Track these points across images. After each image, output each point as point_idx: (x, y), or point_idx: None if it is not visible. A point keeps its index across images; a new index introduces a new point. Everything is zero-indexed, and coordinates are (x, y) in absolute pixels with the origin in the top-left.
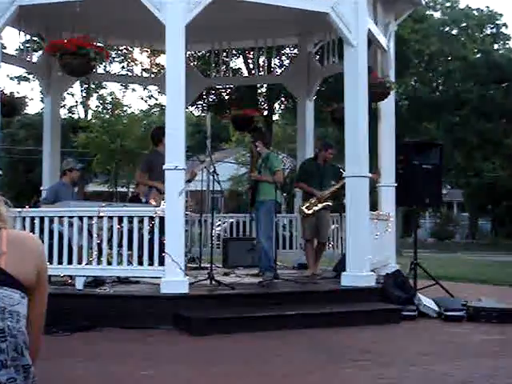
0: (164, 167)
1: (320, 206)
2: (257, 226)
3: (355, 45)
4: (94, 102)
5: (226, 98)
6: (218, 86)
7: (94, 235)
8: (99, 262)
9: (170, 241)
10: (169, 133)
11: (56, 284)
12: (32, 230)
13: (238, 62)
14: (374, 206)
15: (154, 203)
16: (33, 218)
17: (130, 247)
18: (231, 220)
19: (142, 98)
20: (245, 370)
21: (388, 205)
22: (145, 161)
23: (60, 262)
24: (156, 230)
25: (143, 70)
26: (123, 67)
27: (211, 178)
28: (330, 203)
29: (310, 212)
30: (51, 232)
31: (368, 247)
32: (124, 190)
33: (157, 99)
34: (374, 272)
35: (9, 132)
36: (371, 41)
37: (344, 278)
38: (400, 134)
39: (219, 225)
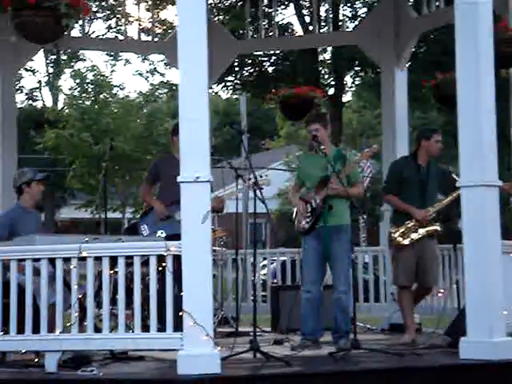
0: (179, 179)
1: (422, 232)
2: (319, 265)
3: None
4: (67, 83)
5: (271, 70)
6: (257, 53)
7: (74, 287)
8: (81, 329)
9: (191, 292)
10: (184, 126)
11: (14, 366)
12: None
13: (286, 14)
14: (507, 231)
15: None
16: None
17: (128, 304)
18: (283, 258)
19: (141, 75)
20: None
21: None
22: (150, 168)
23: (20, 331)
24: (169, 277)
25: (141, 30)
26: (110, 27)
27: (251, 194)
28: (437, 227)
29: (407, 242)
30: (5, 285)
31: (500, 297)
32: (117, 215)
33: (163, 75)
34: None
35: None
36: None
37: (464, 348)
38: None
39: (264, 266)
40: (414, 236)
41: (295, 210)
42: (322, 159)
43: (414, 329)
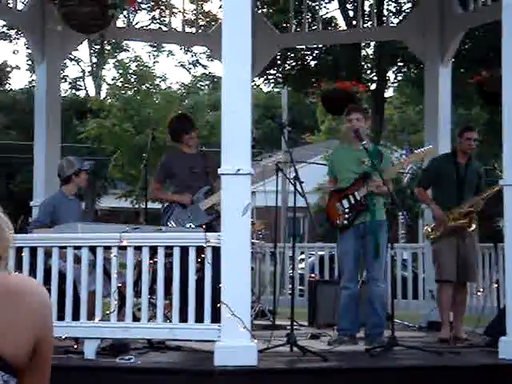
0: (220, 171)
1: (451, 225)
2: (366, 259)
3: None
4: (110, 73)
5: (313, 64)
6: (299, 47)
7: (114, 275)
8: (120, 318)
9: (230, 284)
10: (227, 118)
11: (54, 352)
12: (18, 269)
13: (330, 8)
14: None
15: (173, 224)
16: (19, 250)
17: (167, 294)
18: (321, 253)
19: (184, 66)
20: None
21: None
22: (160, 166)
23: (61, 318)
24: (208, 268)
25: (185, 22)
26: (154, 18)
27: (291, 187)
28: (465, 222)
29: (438, 234)
30: (47, 271)
31: None
32: (156, 206)
33: (206, 67)
34: None
35: None
36: None
37: (504, 347)
38: None
39: (303, 260)
40: (441, 229)
41: (328, 204)
42: (359, 153)
43: (455, 326)
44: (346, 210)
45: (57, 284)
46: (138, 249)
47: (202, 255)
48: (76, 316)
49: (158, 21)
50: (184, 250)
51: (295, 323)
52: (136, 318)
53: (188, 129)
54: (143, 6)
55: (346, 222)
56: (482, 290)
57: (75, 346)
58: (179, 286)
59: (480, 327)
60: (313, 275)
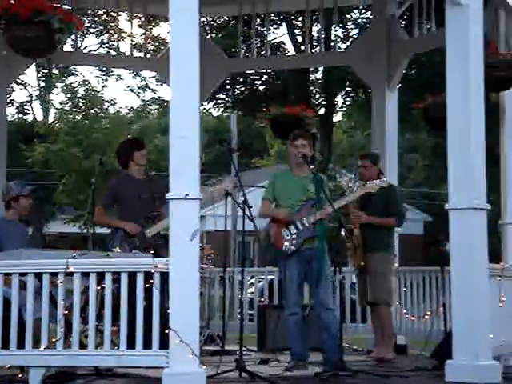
0: (168, 196)
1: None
2: (312, 285)
3: (464, 2)
4: (58, 97)
5: (262, 89)
6: (248, 72)
7: (60, 302)
8: (67, 345)
9: (178, 310)
10: (175, 143)
11: None
12: None
13: (279, 34)
14: (494, 254)
15: (118, 250)
16: None
17: (115, 320)
18: (270, 277)
19: (133, 91)
20: None
21: None
22: (108, 190)
23: (5, 346)
24: (156, 294)
25: (133, 46)
26: (103, 43)
27: (240, 212)
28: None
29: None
30: None
31: (487, 320)
32: (105, 231)
33: (155, 91)
34: (499, 361)
35: None
36: None
37: (450, 371)
38: None
39: (252, 284)
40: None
41: (273, 230)
42: (303, 180)
43: (381, 347)
44: (294, 236)
45: (2, 311)
46: (86, 275)
47: (151, 281)
48: (21, 344)
49: (107, 45)
50: (132, 276)
51: (244, 348)
52: (83, 345)
53: (139, 146)
54: (92, 30)
55: (293, 247)
56: (428, 312)
57: (20, 375)
58: (127, 312)
59: (427, 350)
60: (262, 300)
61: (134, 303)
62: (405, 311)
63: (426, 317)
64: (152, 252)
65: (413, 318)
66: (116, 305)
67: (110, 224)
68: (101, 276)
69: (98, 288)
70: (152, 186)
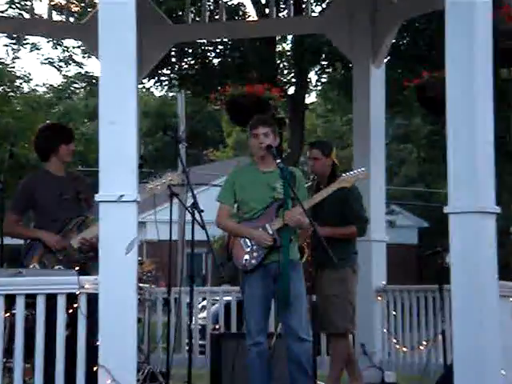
0: (97, 198)
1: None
2: (280, 308)
3: None
4: None
5: (217, 63)
6: (199, 41)
7: None
8: None
9: (110, 341)
10: (105, 131)
11: None
12: None
13: None
14: (506, 269)
15: (36, 266)
16: None
17: (28, 356)
18: (227, 298)
19: (53, 64)
20: None
21: None
22: (20, 191)
23: None
24: (82, 321)
25: (53, 7)
26: (13, 2)
27: (188, 217)
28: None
29: None
30: None
31: (497, 352)
32: (17, 241)
33: (81, 66)
34: None
35: None
36: None
37: None
38: None
39: (204, 308)
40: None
41: (230, 239)
42: (268, 176)
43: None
44: (254, 248)
45: None
46: None
47: (75, 304)
48: None
49: (18, 5)
50: (51, 299)
51: None
52: None
53: (67, 139)
54: None
55: (254, 261)
56: (424, 342)
57: None
58: (44, 345)
59: None
60: (216, 327)
61: (53, 333)
62: (395, 341)
63: (421, 347)
64: (77, 268)
65: (404, 349)
66: (30, 336)
67: (24, 235)
68: (10, 299)
69: (7, 315)
70: (77, 185)
